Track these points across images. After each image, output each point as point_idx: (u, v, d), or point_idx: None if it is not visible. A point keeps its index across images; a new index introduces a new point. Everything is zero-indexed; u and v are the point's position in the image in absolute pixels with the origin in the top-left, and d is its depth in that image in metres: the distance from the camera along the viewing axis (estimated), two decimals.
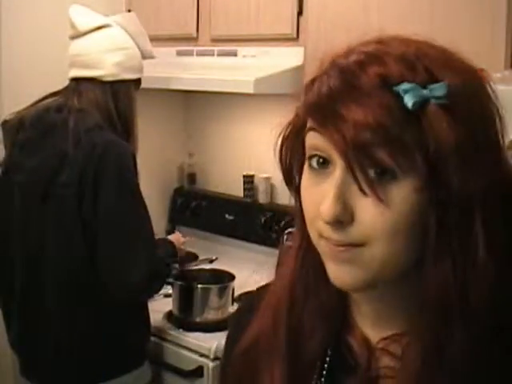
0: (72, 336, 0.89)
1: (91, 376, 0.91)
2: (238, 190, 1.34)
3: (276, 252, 1.13)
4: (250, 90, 1.03)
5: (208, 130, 1.44)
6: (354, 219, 0.30)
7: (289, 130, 0.35)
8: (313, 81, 0.32)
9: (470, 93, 0.31)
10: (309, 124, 0.32)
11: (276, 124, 0.36)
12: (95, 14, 0.97)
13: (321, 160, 0.31)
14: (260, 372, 0.36)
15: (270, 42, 1.11)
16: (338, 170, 0.30)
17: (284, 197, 1.28)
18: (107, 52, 0.93)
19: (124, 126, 0.93)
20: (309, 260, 0.35)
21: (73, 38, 0.95)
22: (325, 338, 0.35)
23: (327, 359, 0.35)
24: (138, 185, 0.88)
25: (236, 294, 1.12)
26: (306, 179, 0.32)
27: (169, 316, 1.10)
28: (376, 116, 0.29)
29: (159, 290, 0.97)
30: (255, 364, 0.36)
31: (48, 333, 0.89)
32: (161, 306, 1.08)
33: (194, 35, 1.23)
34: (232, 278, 1.09)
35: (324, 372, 0.35)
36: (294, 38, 1.08)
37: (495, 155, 0.31)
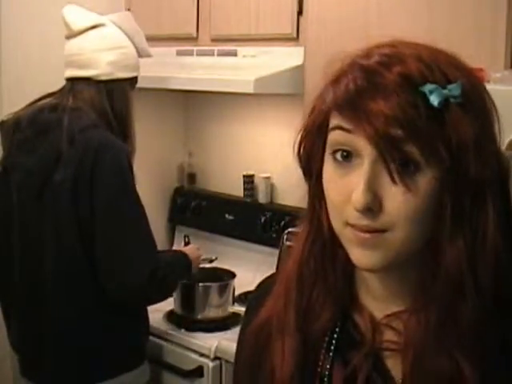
0: (72, 336, 0.89)
1: (91, 375, 0.91)
2: (238, 190, 1.34)
3: (276, 252, 1.13)
4: (250, 90, 1.03)
5: (208, 130, 1.44)
6: (382, 207, 0.33)
7: (309, 126, 0.37)
8: (336, 80, 0.35)
9: (477, 91, 0.35)
10: (335, 122, 0.34)
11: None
12: (90, 13, 0.96)
13: (345, 153, 0.34)
14: (271, 348, 0.38)
15: (270, 42, 1.11)
16: (366, 162, 0.33)
17: (284, 197, 1.28)
18: (101, 51, 0.92)
19: (120, 125, 0.93)
20: (318, 245, 0.38)
21: (67, 37, 0.94)
22: (332, 316, 0.38)
23: (335, 335, 0.38)
24: (134, 185, 0.88)
25: (236, 293, 1.12)
26: (330, 172, 0.35)
27: (169, 316, 1.11)
28: (405, 112, 0.32)
29: (160, 295, 0.94)
30: (267, 341, 0.39)
31: (48, 332, 0.89)
32: (161, 305, 1.08)
33: (194, 35, 1.22)
34: (233, 276, 1.10)
35: (332, 347, 0.37)
36: (294, 38, 1.08)
37: (496, 146, 0.35)
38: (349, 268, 0.37)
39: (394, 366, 0.36)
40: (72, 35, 0.94)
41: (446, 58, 0.35)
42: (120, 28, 0.96)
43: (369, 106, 0.32)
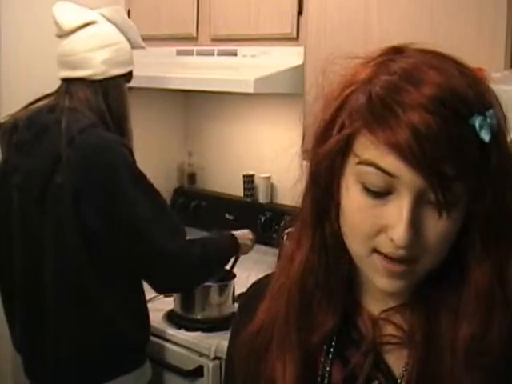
0: (72, 336, 0.89)
1: (92, 376, 0.91)
2: (238, 190, 1.34)
3: (276, 252, 1.13)
4: (250, 90, 1.03)
5: (208, 130, 1.44)
6: (419, 239, 0.33)
7: (332, 144, 0.34)
8: (361, 92, 0.33)
9: (500, 108, 0.34)
10: (367, 155, 0.32)
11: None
12: (81, 9, 0.94)
13: (378, 187, 0.33)
14: (270, 357, 0.38)
15: (270, 42, 1.11)
16: (407, 197, 0.32)
17: (284, 197, 1.28)
18: (94, 50, 0.91)
19: (117, 123, 0.92)
20: (322, 255, 0.37)
21: (59, 37, 0.94)
22: (334, 321, 0.37)
23: (334, 337, 0.37)
24: (144, 174, 0.88)
25: (236, 293, 1.12)
26: (359, 201, 0.34)
27: (169, 315, 1.11)
28: (458, 150, 0.31)
29: (189, 275, 0.92)
30: (263, 348, 0.38)
31: (49, 333, 0.89)
32: (161, 305, 1.08)
33: (194, 35, 1.22)
34: (233, 276, 1.10)
35: (331, 349, 0.37)
36: (294, 38, 1.08)
37: None
38: (350, 274, 0.37)
39: (394, 360, 0.36)
40: (63, 34, 0.93)
41: (475, 82, 0.33)
42: (111, 22, 0.94)
43: (406, 124, 0.30)
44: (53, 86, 0.95)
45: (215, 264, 0.98)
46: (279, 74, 1.06)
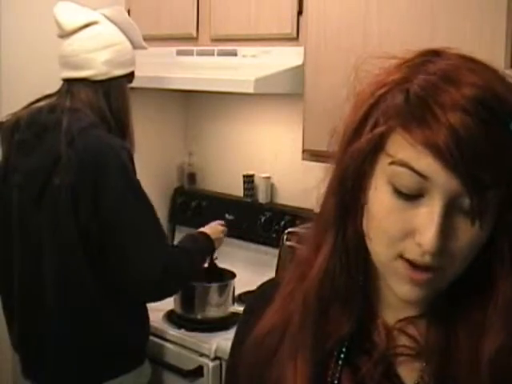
0: (72, 337, 0.89)
1: (91, 376, 0.91)
2: (238, 190, 1.34)
3: (276, 252, 1.13)
4: (250, 90, 1.03)
5: (208, 130, 1.44)
6: (447, 249, 0.31)
7: (364, 143, 0.33)
8: (397, 90, 0.32)
9: None
10: (401, 155, 0.31)
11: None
12: (82, 9, 0.94)
13: (411, 189, 0.31)
14: (280, 363, 0.37)
15: (270, 42, 1.11)
16: (439, 199, 0.31)
17: (284, 197, 1.27)
18: (96, 51, 0.91)
19: (118, 124, 0.92)
20: (343, 261, 0.36)
21: (60, 37, 0.94)
22: (348, 328, 0.36)
23: (345, 343, 0.36)
24: (138, 181, 0.88)
25: (236, 293, 1.12)
26: (388, 203, 0.32)
27: (169, 316, 1.11)
28: (497, 155, 0.29)
29: (177, 286, 0.95)
30: (270, 353, 0.37)
31: (48, 333, 0.89)
32: (161, 305, 1.07)
33: (194, 35, 1.22)
34: (232, 276, 1.10)
35: (342, 355, 0.36)
36: (294, 38, 1.07)
37: None
38: (367, 280, 0.37)
39: (407, 373, 0.35)
40: (65, 35, 0.93)
41: (507, 79, 0.32)
42: (113, 23, 0.94)
43: (445, 123, 0.29)
44: (53, 86, 0.95)
45: (192, 271, 0.98)
46: (279, 74, 1.06)
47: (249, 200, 1.30)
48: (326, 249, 0.36)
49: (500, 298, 0.33)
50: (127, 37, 0.96)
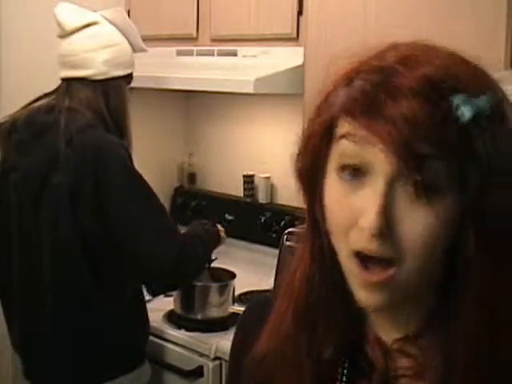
0: (71, 337, 0.89)
1: (91, 376, 0.91)
2: (238, 190, 1.34)
3: (276, 252, 1.13)
4: (250, 90, 1.03)
5: (208, 130, 1.44)
6: (395, 232, 0.29)
7: (313, 135, 0.32)
8: (346, 81, 0.30)
9: (503, 101, 0.31)
10: (343, 130, 0.30)
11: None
12: (82, 10, 0.95)
13: (353, 171, 0.30)
14: (279, 379, 0.35)
15: (270, 42, 1.11)
16: (381, 179, 0.29)
17: (284, 197, 1.27)
18: (95, 50, 0.91)
19: (116, 124, 0.92)
20: (321, 276, 0.34)
21: (60, 37, 0.94)
22: (340, 349, 0.34)
23: (345, 365, 0.34)
24: (140, 174, 0.87)
25: (236, 293, 1.11)
26: (335, 191, 0.31)
27: (169, 316, 1.11)
28: (433, 124, 0.28)
29: (192, 271, 0.95)
30: (269, 378, 0.35)
31: (48, 333, 0.89)
32: (161, 305, 1.08)
33: (194, 35, 1.22)
34: (232, 276, 1.10)
35: (344, 378, 0.34)
36: (294, 38, 1.07)
37: None
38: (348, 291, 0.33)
39: None
40: (65, 35, 0.93)
41: (472, 67, 0.31)
42: (113, 24, 0.95)
43: (390, 111, 0.28)
44: (53, 86, 0.95)
45: (206, 255, 0.98)
46: (279, 74, 1.06)
47: (249, 200, 1.30)
48: (306, 258, 0.34)
49: (471, 297, 0.29)
50: (127, 39, 0.96)
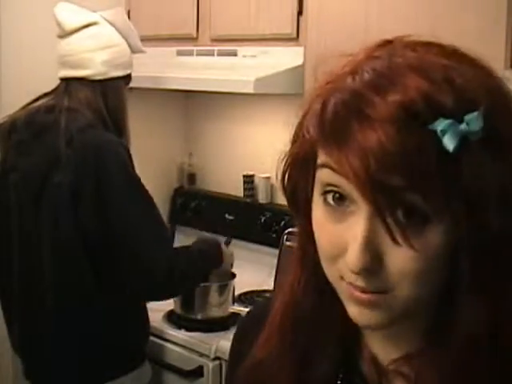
0: (72, 337, 0.89)
1: (92, 377, 0.91)
2: (238, 190, 1.34)
3: (276, 252, 1.13)
4: (250, 90, 1.03)
5: (208, 130, 1.44)
6: (382, 266, 0.28)
7: (294, 156, 0.31)
8: (322, 99, 0.28)
9: (506, 115, 0.27)
10: (322, 158, 0.28)
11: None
12: (82, 10, 0.95)
13: (337, 195, 0.28)
14: None
15: (270, 42, 1.11)
16: (362, 212, 0.27)
17: (284, 197, 1.28)
18: (95, 51, 0.92)
19: (115, 124, 0.93)
20: (312, 291, 0.33)
21: (60, 37, 0.94)
22: (334, 365, 0.33)
23: (339, 383, 0.33)
24: (139, 177, 0.88)
25: (236, 293, 1.12)
26: (321, 216, 0.29)
27: (169, 316, 1.11)
28: (407, 156, 0.25)
29: (183, 288, 0.96)
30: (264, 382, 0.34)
31: (47, 333, 0.89)
32: (161, 305, 1.08)
33: (194, 35, 1.22)
34: (232, 276, 1.09)
35: None
36: (294, 38, 1.07)
37: None
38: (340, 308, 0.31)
39: None
40: (64, 35, 0.93)
41: (465, 68, 0.27)
42: (112, 25, 0.95)
43: (359, 144, 0.25)
44: (52, 86, 0.95)
45: (193, 280, 0.97)
46: (279, 74, 1.06)
47: (249, 200, 1.30)
48: (292, 278, 0.33)
49: (460, 330, 0.28)
50: (126, 40, 0.97)
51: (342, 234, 0.28)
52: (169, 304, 1.09)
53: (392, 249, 0.27)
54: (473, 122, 0.25)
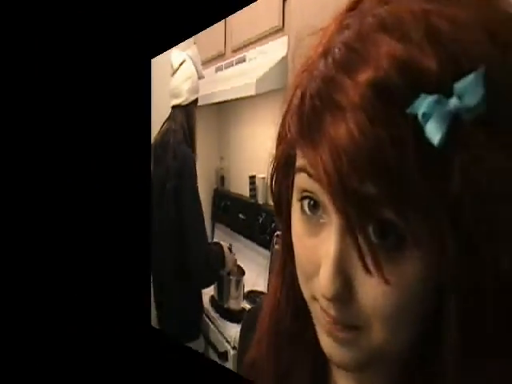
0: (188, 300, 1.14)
1: (190, 329, 1.13)
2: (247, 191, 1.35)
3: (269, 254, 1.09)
4: (252, 92, 1.05)
5: (231, 135, 1.47)
6: (353, 296, 0.22)
7: (279, 158, 0.27)
8: (300, 90, 0.22)
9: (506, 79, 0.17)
10: (300, 160, 0.23)
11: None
12: (177, 51, 1.21)
13: (312, 202, 0.24)
14: None
15: (264, 40, 1.08)
16: (333, 225, 0.22)
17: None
18: (183, 82, 1.18)
19: (192, 140, 1.17)
20: (290, 304, 0.29)
21: (171, 75, 1.22)
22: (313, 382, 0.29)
23: None
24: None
25: (245, 291, 1.15)
26: (298, 226, 0.25)
27: (212, 300, 1.23)
28: (380, 157, 0.18)
29: (210, 279, 1.14)
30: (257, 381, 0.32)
31: (174, 297, 1.16)
32: (208, 289, 1.20)
33: (223, 51, 1.30)
34: (242, 272, 1.15)
35: None
36: (280, 29, 1.01)
37: None
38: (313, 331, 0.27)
39: None
40: (173, 72, 1.22)
41: (455, 8, 0.18)
42: (192, 60, 1.20)
43: (330, 142, 0.19)
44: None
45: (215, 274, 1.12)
46: (273, 70, 1.03)
47: (253, 201, 1.29)
48: (273, 290, 0.30)
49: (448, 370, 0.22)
50: (196, 70, 1.20)
51: (316, 250, 0.24)
52: (211, 289, 1.21)
53: (364, 277, 0.22)
54: (467, 91, 0.17)
